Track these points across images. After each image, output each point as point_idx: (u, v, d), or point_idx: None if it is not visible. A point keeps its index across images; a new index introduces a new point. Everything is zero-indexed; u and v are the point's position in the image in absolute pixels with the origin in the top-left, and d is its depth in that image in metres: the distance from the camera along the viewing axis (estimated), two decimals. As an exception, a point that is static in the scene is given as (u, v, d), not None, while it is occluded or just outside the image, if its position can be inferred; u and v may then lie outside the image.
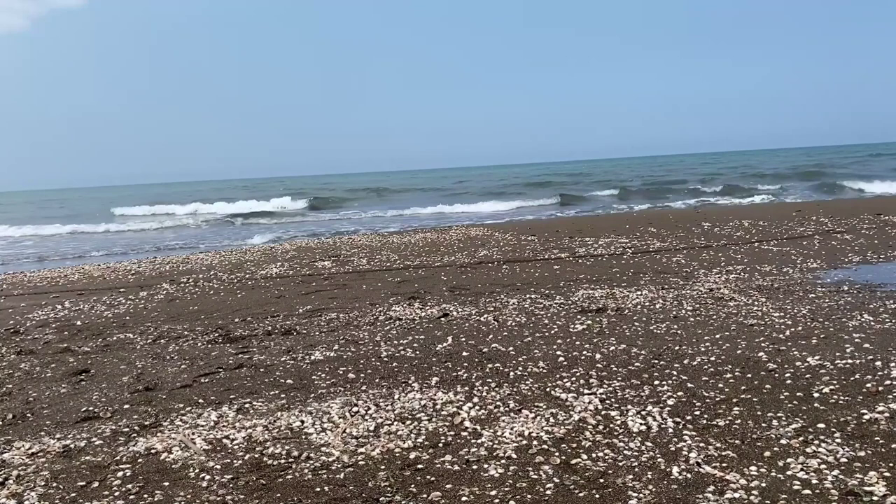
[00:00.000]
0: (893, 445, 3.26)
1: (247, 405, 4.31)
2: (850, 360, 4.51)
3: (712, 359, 4.72)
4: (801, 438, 3.38)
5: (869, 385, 4.04)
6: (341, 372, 4.92)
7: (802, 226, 12.97)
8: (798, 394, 3.98)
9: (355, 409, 4.11)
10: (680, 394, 4.09)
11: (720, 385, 4.20)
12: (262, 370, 5.07)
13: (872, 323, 5.45)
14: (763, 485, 2.96)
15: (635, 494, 2.94)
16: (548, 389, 4.28)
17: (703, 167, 56.83)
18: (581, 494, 2.97)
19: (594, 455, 3.33)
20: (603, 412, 3.86)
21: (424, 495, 3.03)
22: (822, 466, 3.09)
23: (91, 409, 4.40)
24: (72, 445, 3.79)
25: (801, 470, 3.07)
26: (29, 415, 4.37)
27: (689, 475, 3.08)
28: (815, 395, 3.95)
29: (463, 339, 5.64)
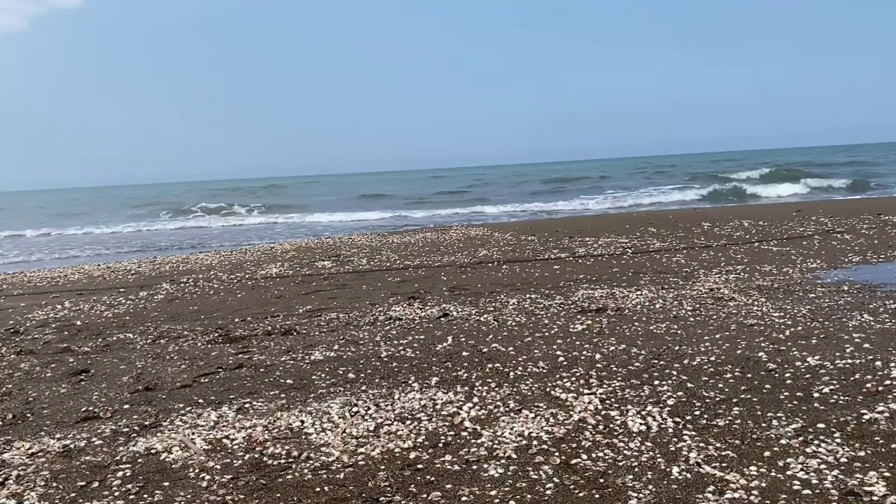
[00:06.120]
0: (893, 445, 3.26)
1: (247, 405, 4.31)
2: (850, 360, 4.51)
3: (712, 359, 4.72)
4: (801, 438, 3.38)
5: (869, 385, 4.04)
6: (341, 372, 4.92)
7: (802, 226, 12.97)
8: (798, 394, 3.98)
9: (355, 409, 4.11)
10: (680, 394, 4.09)
11: (720, 385, 4.20)
12: (261, 370, 5.07)
13: (872, 323, 5.45)
14: (763, 485, 2.96)
15: (635, 494, 2.94)
16: (548, 389, 4.28)
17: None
18: (581, 494, 2.97)
19: (594, 455, 3.33)
20: (603, 412, 3.86)
21: (424, 495, 3.03)
22: (822, 466, 3.09)
23: (91, 409, 4.40)
24: (72, 445, 3.79)
25: (801, 470, 3.07)
26: (29, 415, 4.37)
27: (689, 475, 3.08)
28: (815, 395, 3.95)
29: (463, 339, 5.64)
